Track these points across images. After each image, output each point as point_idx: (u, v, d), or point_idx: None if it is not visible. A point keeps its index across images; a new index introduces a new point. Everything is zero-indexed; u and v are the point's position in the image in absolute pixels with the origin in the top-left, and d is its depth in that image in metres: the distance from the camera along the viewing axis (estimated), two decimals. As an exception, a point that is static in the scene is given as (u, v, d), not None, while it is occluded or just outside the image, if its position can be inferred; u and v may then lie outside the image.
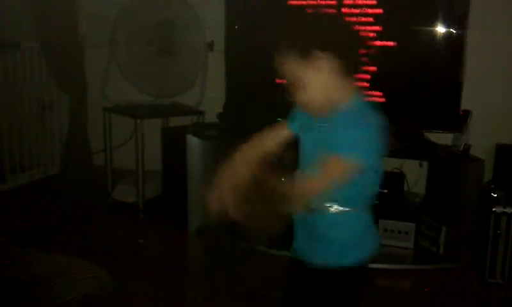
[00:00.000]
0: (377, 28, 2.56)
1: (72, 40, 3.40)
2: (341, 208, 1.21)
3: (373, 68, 2.54)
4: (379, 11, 2.56)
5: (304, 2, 2.74)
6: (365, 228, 1.27)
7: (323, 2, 2.65)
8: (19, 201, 3.17)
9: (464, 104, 2.52)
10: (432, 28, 2.51)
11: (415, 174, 2.93)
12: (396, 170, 2.83)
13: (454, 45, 2.49)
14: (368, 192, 1.24)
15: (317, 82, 1.19)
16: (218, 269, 2.39)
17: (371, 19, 2.56)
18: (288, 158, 1.38)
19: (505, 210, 2.21)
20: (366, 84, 2.58)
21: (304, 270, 1.29)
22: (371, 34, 2.56)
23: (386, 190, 2.62)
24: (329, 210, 1.21)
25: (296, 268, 1.33)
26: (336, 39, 1.17)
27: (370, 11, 2.56)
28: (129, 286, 2.14)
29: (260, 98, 2.84)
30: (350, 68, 1.19)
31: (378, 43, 2.56)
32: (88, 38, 3.56)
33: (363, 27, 2.55)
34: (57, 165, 3.62)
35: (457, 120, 2.45)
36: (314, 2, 2.71)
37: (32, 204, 3.12)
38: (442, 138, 2.63)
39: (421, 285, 2.26)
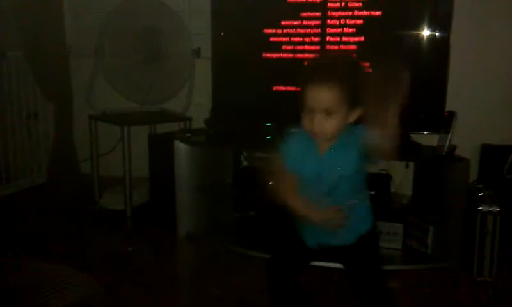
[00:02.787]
0: (360, 38, 2.58)
1: (58, 49, 3.39)
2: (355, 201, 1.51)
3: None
4: (360, 21, 2.59)
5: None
6: (368, 200, 1.58)
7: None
8: (6, 211, 3.14)
9: (449, 105, 2.55)
10: (416, 30, 2.53)
11: (401, 175, 2.96)
12: (383, 171, 2.85)
13: (439, 46, 2.51)
14: (363, 182, 1.54)
15: (344, 114, 1.41)
16: (208, 274, 2.39)
17: (353, 30, 2.59)
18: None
19: (491, 209, 2.24)
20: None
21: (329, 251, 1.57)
22: (353, 47, 2.59)
23: (373, 192, 2.64)
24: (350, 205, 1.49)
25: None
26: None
27: (353, 22, 2.59)
28: (118, 294, 2.12)
29: (246, 103, 2.85)
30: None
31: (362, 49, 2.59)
32: (74, 46, 3.55)
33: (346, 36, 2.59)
34: (44, 174, 3.59)
35: (443, 121, 2.47)
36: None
37: (19, 214, 3.10)
38: (428, 139, 2.66)
39: (410, 286, 2.27)
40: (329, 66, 1.43)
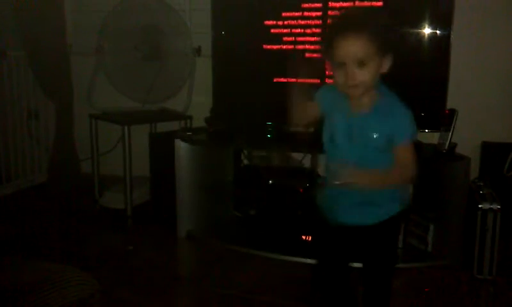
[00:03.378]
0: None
1: (58, 48, 3.39)
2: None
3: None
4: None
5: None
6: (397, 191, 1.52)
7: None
8: (6, 210, 3.15)
9: (450, 103, 2.54)
10: (417, 28, 2.53)
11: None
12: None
13: (439, 44, 2.51)
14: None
15: (377, 64, 1.38)
16: (209, 273, 2.39)
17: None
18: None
19: (491, 207, 2.24)
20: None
21: (353, 231, 1.51)
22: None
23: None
24: None
25: (343, 233, 1.53)
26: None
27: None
28: (118, 293, 2.13)
29: (247, 102, 2.85)
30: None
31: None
32: (74, 45, 3.56)
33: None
34: (44, 174, 3.60)
35: (443, 119, 2.47)
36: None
37: (19, 213, 3.10)
38: (428, 137, 2.65)
39: (410, 284, 2.27)
40: (359, 16, 1.43)
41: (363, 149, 1.43)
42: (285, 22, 2.71)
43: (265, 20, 2.75)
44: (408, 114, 1.42)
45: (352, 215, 1.49)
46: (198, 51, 3.26)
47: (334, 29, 1.40)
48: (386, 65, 1.41)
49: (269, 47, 2.76)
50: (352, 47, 1.34)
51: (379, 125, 1.40)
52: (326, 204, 1.56)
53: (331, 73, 1.42)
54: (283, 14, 2.71)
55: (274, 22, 2.74)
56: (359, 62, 1.35)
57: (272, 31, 2.75)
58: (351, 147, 1.45)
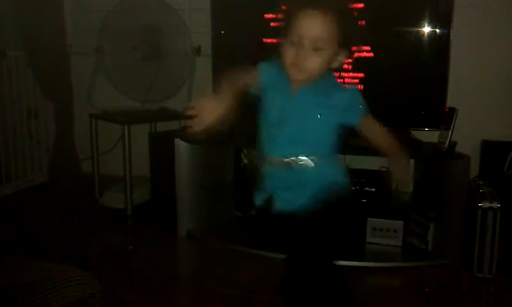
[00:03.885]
0: (361, 23, 2.57)
1: (58, 48, 3.39)
2: (315, 157, 1.37)
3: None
4: (361, 5, 2.57)
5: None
6: (336, 170, 1.42)
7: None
8: (6, 210, 3.15)
9: (450, 101, 2.54)
10: (416, 26, 2.53)
11: (402, 172, 2.95)
12: (383, 169, 2.84)
13: (439, 42, 2.51)
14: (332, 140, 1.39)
15: (330, 55, 1.32)
16: (209, 273, 2.39)
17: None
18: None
19: (491, 205, 2.23)
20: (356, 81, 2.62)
21: (284, 218, 1.43)
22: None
23: (374, 189, 2.65)
24: (307, 160, 1.36)
25: (275, 219, 1.48)
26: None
27: (353, 5, 2.57)
28: (119, 293, 2.13)
29: (246, 101, 2.84)
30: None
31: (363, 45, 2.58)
32: (74, 45, 3.56)
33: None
34: (45, 174, 3.60)
35: (443, 117, 2.47)
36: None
37: (19, 213, 3.10)
38: (428, 136, 2.65)
39: (410, 283, 2.27)
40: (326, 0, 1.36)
41: (298, 131, 1.35)
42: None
43: (265, 13, 2.75)
44: (356, 90, 1.39)
45: (283, 199, 1.41)
46: (197, 51, 3.26)
47: (297, 5, 1.35)
48: (338, 60, 1.35)
49: (269, 40, 2.76)
50: (314, 25, 1.29)
51: (318, 102, 1.33)
52: (264, 190, 1.46)
53: (282, 50, 1.35)
54: (283, 7, 2.70)
55: (274, 15, 2.74)
56: (314, 46, 1.29)
57: (272, 24, 2.74)
58: (286, 128, 1.36)
